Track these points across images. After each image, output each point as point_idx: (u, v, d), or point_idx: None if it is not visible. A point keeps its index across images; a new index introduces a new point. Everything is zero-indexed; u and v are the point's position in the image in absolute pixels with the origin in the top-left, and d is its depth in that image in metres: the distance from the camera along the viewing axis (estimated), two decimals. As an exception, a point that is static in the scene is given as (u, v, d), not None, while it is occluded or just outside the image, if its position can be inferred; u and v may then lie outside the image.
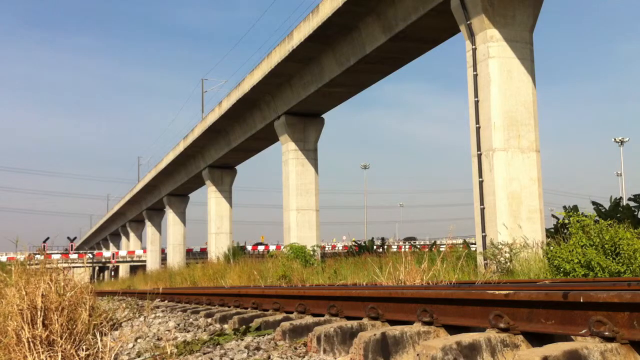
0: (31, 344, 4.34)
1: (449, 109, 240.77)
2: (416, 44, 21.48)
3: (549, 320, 3.61)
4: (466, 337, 3.58)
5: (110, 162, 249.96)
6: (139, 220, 73.52)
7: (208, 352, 4.93)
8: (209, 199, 42.73)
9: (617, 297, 3.24)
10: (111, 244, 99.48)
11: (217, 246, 40.58)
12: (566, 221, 11.67)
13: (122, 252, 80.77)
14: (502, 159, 15.66)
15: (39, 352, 4.30)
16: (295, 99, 27.93)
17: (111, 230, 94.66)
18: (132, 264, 76.26)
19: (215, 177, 42.20)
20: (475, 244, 17.83)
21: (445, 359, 3.40)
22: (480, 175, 15.97)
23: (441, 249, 22.51)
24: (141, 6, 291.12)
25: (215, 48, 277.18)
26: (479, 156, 16.04)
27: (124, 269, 76.71)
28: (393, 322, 4.85)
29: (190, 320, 7.95)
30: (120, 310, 9.85)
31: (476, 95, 16.26)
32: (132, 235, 79.74)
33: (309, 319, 5.51)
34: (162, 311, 9.86)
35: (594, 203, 20.79)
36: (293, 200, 29.01)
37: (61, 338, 4.46)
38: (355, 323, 4.77)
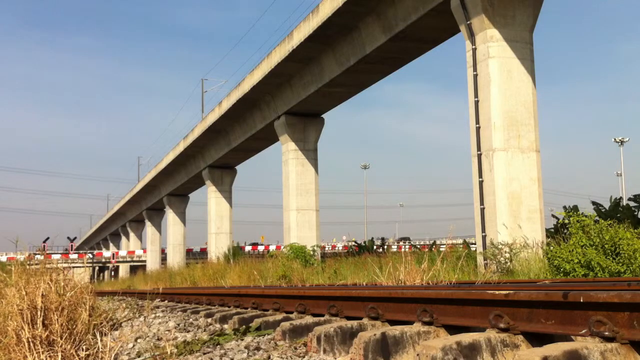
0: (31, 344, 4.34)
1: (449, 109, 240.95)
2: (416, 44, 21.48)
3: (549, 320, 3.61)
4: (466, 337, 3.58)
5: (110, 162, 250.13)
6: (139, 220, 73.54)
7: (208, 352, 4.93)
8: (209, 199, 42.74)
9: (617, 297, 3.24)
10: (111, 244, 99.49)
11: (217, 246, 40.59)
12: (566, 221, 11.68)
13: (122, 252, 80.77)
14: (502, 159, 15.66)
15: (39, 352, 4.30)
16: (295, 99, 27.94)
17: (111, 230, 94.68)
18: (132, 264, 76.26)
19: (215, 177, 42.21)
20: (475, 244, 17.83)
21: (445, 359, 3.40)
22: (480, 175, 15.97)
23: (441, 249, 22.52)
24: (141, 6, 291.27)
25: (215, 48, 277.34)
26: (479, 156, 16.04)
27: (124, 269, 76.70)
28: (393, 322, 4.85)
29: (190, 320, 7.95)
30: (120, 310, 9.85)
31: (476, 95, 16.27)
32: (132, 235, 79.75)
33: (309, 319, 5.51)
34: (162, 311, 9.86)
35: (594, 203, 20.80)
36: (293, 200, 29.01)
37: (61, 338, 4.46)
38: (355, 323, 4.77)
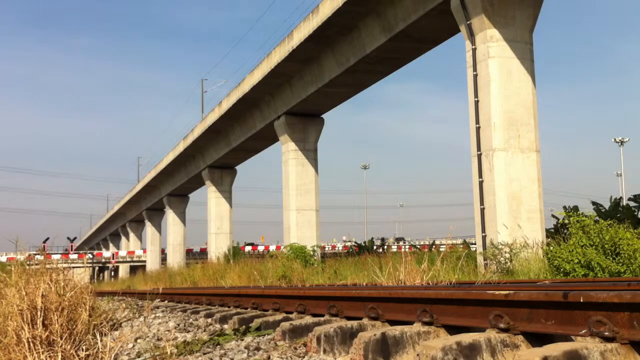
0: (31, 344, 4.34)
1: (449, 109, 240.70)
2: (416, 44, 21.48)
3: (549, 321, 3.61)
4: (466, 337, 3.58)
5: (110, 162, 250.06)
6: (139, 220, 73.53)
7: (208, 352, 4.93)
8: (209, 199, 42.74)
9: (617, 297, 3.24)
10: (111, 244, 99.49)
11: (217, 246, 40.59)
12: (566, 221, 11.68)
13: (122, 253, 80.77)
14: (502, 159, 15.66)
15: (39, 352, 4.30)
16: (295, 99, 27.94)
17: (111, 231, 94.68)
18: (132, 264, 76.25)
19: (215, 177, 42.21)
20: (475, 244, 17.82)
21: (445, 359, 3.40)
22: (480, 176, 15.97)
23: (441, 249, 22.51)
24: (141, 6, 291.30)
25: (215, 48, 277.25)
26: (479, 156, 16.04)
27: (123, 269, 76.69)
28: (393, 322, 4.85)
29: (190, 320, 7.95)
30: (120, 310, 9.86)
31: (476, 96, 16.27)
32: (132, 235, 79.75)
33: (308, 319, 5.51)
34: (162, 311, 9.86)
35: (594, 203, 20.81)
36: (293, 200, 29.01)
37: (61, 338, 4.46)
38: (355, 323, 4.77)
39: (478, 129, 16.16)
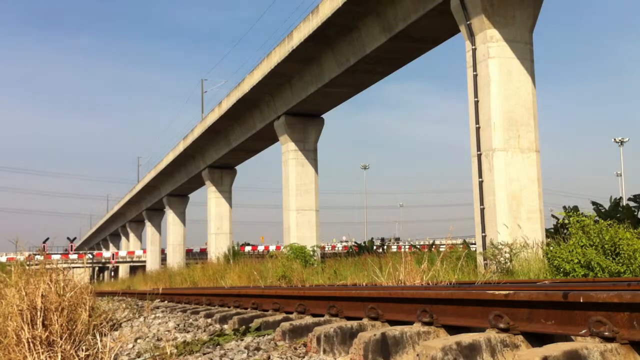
0: (31, 345, 4.34)
1: (449, 109, 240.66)
2: (416, 44, 21.48)
3: (549, 321, 3.61)
4: (466, 337, 3.58)
5: (110, 162, 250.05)
6: (139, 220, 73.54)
7: (208, 353, 4.93)
8: (209, 200, 42.74)
9: (617, 297, 3.24)
10: (111, 245, 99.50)
11: (217, 246, 40.60)
12: (566, 221, 11.68)
13: (122, 253, 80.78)
14: (502, 159, 15.66)
15: (39, 352, 4.30)
16: (295, 99, 27.94)
17: (111, 231, 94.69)
18: (132, 264, 76.28)
19: (215, 177, 42.22)
20: (475, 244, 17.83)
21: (445, 359, 3.40)
22: (480, 176, 15.97)
23: (441, 249, 22.52)
24: (141, 6, 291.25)
25: (215, 48, 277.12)
26: (479, 156, 16.04)
27: (123, 270, 76.71)
28: (393, 323, 4.85)
29: (190, 320, 7.95)
30: (120, 310, 9.86)
31: (476, 96, 16.27)
32: (131, 235, 79.76)
33: (308, 319, 5.51)
34: (162, 311, 9.86)
35: (593, 203, 20.82)
36: (293, 200, 29.01)
37: (61, 338, 4.46)
38: (355, 323, 4.77)
39: (478, 129, 16.16)
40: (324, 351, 4.46)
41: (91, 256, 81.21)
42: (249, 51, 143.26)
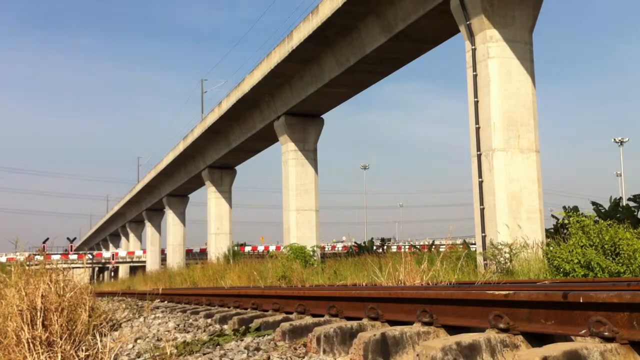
0: (31, 345, 4.34)
1: (449, 109, 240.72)
2: (416, 44, 21.48)
3: (549, 321, 3.61)
4: (466, 338, 3.58)
5: (110, 162, 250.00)
6: (139, 220, 73.53)
7: (208, 353, 4.93)
8: (209, 200, 42.73)
9: (617, 297, 3.24)
10: (111, 245, 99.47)
11: (217, 247, 40.58)
12: (566, 221, 11.68)
13: (122, 253, 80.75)
14: (501, 159, 15.66)
15: (39, 352, 4.30)
16: (295, 99, 27.94)
17: (111, 231, 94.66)
18: (131, 264, 76.25)
19: (215, 177, 42.21)
20: (475, 244, 17.82)
21: (445, 359, 3.40)
22: (480, 176, 15.97)
23: (441, 250, 22.51)
24: (141, 6, 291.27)
25: (215, 48, 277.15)
26: (479, 156, 16.04)
27: (123, 270, 76.69)
28: (393, 323, 4.85)
29: (190, 320, 7.95)
30: (120, 310, 9.86)
31: (476, 96, 16.27)
32: (131, 235, 79.73)
33: (308, 320, 5.50)
34: (162, 312, 9.85)
35: (593, 203, 20.82)
36: (293, 200, 29.01)
37: (61, 339, 4.46)
38: (355, 323, 4.77)
39: (478, 129, 16.16)
40: (324, 351, 4.46)
41: (91, 256, 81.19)
42: (249, 51, 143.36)
